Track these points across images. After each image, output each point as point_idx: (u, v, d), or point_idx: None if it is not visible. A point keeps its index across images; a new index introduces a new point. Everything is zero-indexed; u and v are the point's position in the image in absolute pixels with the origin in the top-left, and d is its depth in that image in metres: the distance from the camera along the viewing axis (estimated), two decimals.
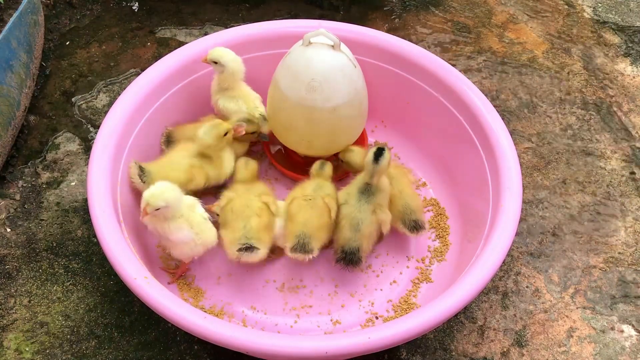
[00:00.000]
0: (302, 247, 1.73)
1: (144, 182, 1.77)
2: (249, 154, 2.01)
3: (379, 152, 1.74)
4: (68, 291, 1.84)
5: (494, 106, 1.90)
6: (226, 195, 1.81)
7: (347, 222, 1.77)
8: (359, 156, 1.91)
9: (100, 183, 1.70)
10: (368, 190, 1.78)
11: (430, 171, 2.06)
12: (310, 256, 1.73)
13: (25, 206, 2.00)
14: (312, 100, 1.81)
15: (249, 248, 1.70)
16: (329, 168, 1.88)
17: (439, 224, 1.96)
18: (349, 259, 1.76)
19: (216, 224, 1.78)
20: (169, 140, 1.96)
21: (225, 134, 1.84)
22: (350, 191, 1.80)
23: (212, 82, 1.98)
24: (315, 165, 1.89)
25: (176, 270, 1.81)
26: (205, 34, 2.29)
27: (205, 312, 1.64)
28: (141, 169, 1.78)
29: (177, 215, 1.67)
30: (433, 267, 1.88)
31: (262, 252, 1.73)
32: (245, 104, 1.96)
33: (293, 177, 2.01)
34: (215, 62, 1.90)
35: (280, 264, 1.88)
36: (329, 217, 1.78)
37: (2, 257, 1.89)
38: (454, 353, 1.78)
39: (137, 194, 1.85)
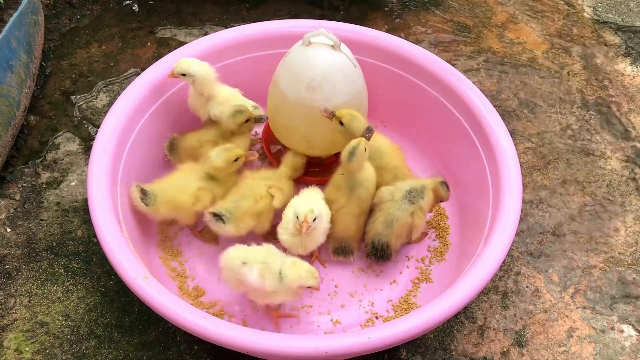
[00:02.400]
0: (342, 250, 1.83)
1: (147, 205, 1.76)
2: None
3: (445, 185, 1.83)
4: (68, 291, 1.84)
5: (494, 106, 1.90)
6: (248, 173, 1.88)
7: (382, 216, 1.80)
8: (360, 123, 1.85)
9: (100, 183, 1.70)
10: (416, 194, 1.80)
11: (430, 171, 2.06)
12: (352, 259, 1.84)
13: (25, 206, 2.00)
14: (312, 100, 1.81)
15: (219, 218, 1.74)
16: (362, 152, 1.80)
17: (439, 224, 1.96)
18: (379, 255, 1.80)
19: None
20: (172, 147, 1.94)
21: (236, 160, 1.82)
22: (400, 187, 1.82)
23: (189, 99, 1.94)
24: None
25: (280, 315, 1.79)
26: (205, 34, 2.30)
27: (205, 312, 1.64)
28: (143, 191, 1.76)
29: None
30: (433, 267, 1.88)
31: (228, 229, 1.76)
32: (234, 102, 1.96)
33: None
34: (183, 75, 1.87)
35: None
36: (365, 215, 1.84)
37: (2, 257, 1.89)
38: (454, 353, 1.78)
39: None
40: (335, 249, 1.83)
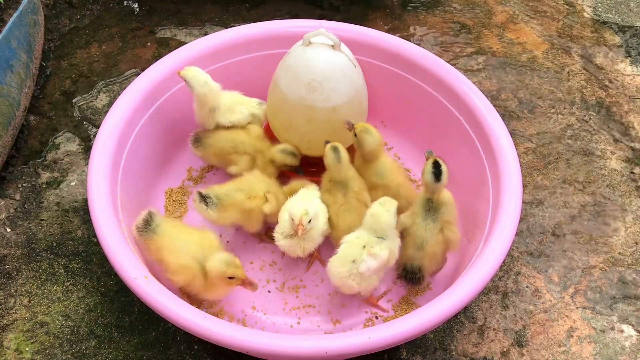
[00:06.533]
0: None
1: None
2: None
3: (438, 170, 1.70)
4: (68, 291, 1.84)
5: (494, 106, 1.91)
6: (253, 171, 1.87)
7: (411, 240, 1.75)
8: (375, 137, 1.83)
9: (100, 183, 1.70)
10: (432, 207, 1.74)
11: None
12: None
13: (25, 206, 2.00)
14: (312, 100, 1.82)
15: (205, 200, 1.73)
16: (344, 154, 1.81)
17: None
18: (409, 278, 1.76)
19: None
20: (197, 141, 1.94)
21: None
22: (415, 210, 1.76)
23: (194, 107, 1.91)
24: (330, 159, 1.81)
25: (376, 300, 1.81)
26: (205, 34, 2.29)
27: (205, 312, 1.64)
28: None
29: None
30: None
31: (210, 214, 1.75)
32: (243, 105, 1.95)
33: (292, 177, 2.01)
34: (185, 80, 1.85)
35: (280, 264, 1.88)
36: (366, 208, 1.80)
37: (2, 257, 1.89)
38: (454, 353, 1.78)
39: (136, 192, 1.85)
40: None
